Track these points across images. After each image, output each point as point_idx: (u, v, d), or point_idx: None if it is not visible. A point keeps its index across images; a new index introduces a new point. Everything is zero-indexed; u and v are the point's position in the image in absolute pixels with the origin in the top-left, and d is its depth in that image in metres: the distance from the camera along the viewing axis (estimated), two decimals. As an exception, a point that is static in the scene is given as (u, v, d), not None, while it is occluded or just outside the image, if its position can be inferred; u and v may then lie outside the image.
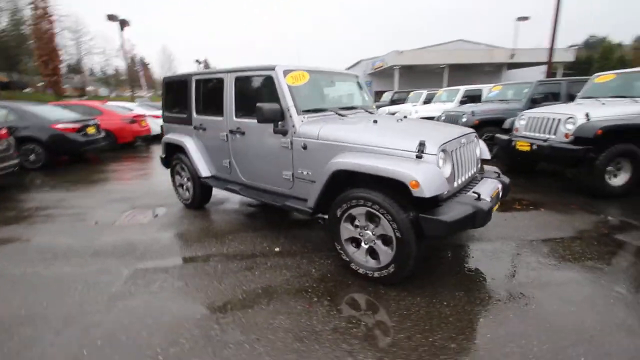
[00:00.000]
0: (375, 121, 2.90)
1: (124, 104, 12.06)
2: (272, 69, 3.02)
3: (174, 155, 4.28)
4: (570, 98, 7.06)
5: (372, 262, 2.49)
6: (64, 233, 3.64)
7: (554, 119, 4.73)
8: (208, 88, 3.77)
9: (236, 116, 3.39)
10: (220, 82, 3.54)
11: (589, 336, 1.92)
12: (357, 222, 2.53)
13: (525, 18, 23.01)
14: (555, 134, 4.64)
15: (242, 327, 2.07)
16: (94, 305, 2.32)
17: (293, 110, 2.90)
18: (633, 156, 4.21)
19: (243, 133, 3.33)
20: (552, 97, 7.01)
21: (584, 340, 1.89)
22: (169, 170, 4.52)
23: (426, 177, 2.11)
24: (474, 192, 2.45)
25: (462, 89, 10.36)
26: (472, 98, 9.78)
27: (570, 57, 24.86)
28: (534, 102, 6.94)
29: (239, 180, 3.58)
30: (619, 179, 4.32)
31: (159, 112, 11.54)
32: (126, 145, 9.63)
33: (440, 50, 26.52)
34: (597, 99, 5.15)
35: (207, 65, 45.22)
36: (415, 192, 2.10)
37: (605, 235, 3.29)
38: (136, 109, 11.15)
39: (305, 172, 2.91)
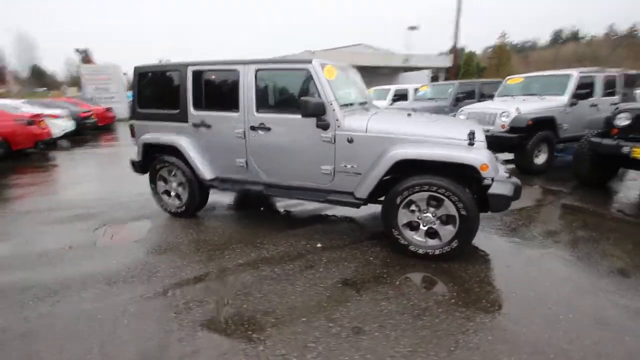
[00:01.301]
0: (409, 114, 3.16)
1: (6, 102, 9.44)
2: (309, 62, 2.98)
3: (158, 158, 3.72)
4: (482, 96, 8.67)
5: (432, 242, 2.75)
6: (50, 264, 2.84)
7: (491, 113, 5.79)
8: (213, 80, 3.42)
9: (258, 111, 3.19)
10: (232, 74, 3.26)
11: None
12: (412, 207, 2.75)
13: (415, 28, 26.61)
14: (493, 125, 5.70)
15: (357, 319, 2.07)
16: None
17: (336, 105, 2.92)
18: (549, 141, 5.53)
19: (268, 129, 3.16)
20: (469, 96, 8.49)
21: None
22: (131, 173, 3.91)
23: (490, 161, 2.48)
24: (505, 172, 2.94)
25: (393, 88, 11.51)
26: (400, 97, 10.98)
27: (448, 63, 29.81)
28: (457, 100, 8.27)
29: (259, 179, 3.37)
30: (541, 159, 5.61)
31: (55, 111, 9.57)
32: (21, 152, 7.61)
33: (347, 52, 28.47)
34: (513, 97, 6.50)
35: (87, 56, 38.22)
36: (484, 174, 2.45)
37: (541, 200, 4.32)
38: (27, 107, 8.86)
39: (349, 165, 2.97)
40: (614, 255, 2.83)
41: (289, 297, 2.32)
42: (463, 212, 2.55)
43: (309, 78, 2.98)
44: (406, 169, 2.73)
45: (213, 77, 3.40)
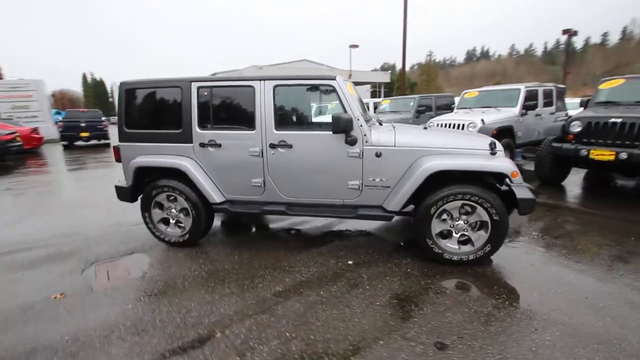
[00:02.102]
0: (425, 128, 3.30)
1: None
2: (333, 78, 2.96)
3: (154, 183, 3.33)
4: (438, 108, 9.43)
5: (465, 248, 2.87)
6: (45, 319, 2.29)
7: (458, 124, 6.34)
8: (223, 98, 3.18)
9: (277, 129, 3.06)
10: (246, 91, 3.09)
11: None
12: (444, 216, 2.86)
13: (355, 46, 28.06)
14: (462, 135, 6.23)
15: (433, 334, 2.06)
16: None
17: (362, 120, 2.93)
18: (510, 147, 6.21)
19: (290, 146, 3.04)
20: (428, 109, 9.19)
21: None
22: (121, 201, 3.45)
23: (516, 168, 2.70)
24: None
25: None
26: None
27: (387, 78, 32.00)
28: (419, 112, 8.89)
29: (279, 199, 3.20)
30: (504, 163, 6.26)
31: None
32: None
33: (292, 67, 28.95)
34: (472, 109, 7.20)
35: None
36: (515, 180, 2.65)
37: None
38: None
39: (378, 179, 2.99)
40: (606, 245, 3.26)
41: (353, 321, 2.21)
42: (495, 218, 2.72)
43: (332, 93, 2.96)
44: (433, 180, 2.84)
45: (222, 94, 3.18)
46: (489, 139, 2.92)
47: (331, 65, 33.95)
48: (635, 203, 4.54)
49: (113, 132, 8.02)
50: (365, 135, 2.92)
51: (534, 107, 6.69)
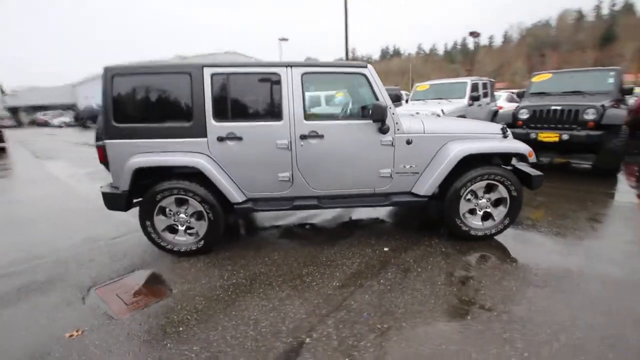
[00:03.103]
0: (439, 115, 3.48)
1: None
2: (365, 66, 2.91)
3: (158, 186, 2.86)
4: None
5: (487, 223, 3.15)
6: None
7: (425, 114, 6.83)
8: (242, 86, 2.87)
9: (306, 118, 2.89)
10: (271, 78, 2.85)
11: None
12: (469, 196, 3.09)
13: (285, 39, 27.78)
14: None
15: (506, 302, 2.23)
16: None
17: (394, 108, 2.97)
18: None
19: (321, 136, 2.91)
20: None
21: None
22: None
23: (531, 149, 3.05)
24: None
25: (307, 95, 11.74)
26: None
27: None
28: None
29: (308, 193, 3.05)
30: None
31: None
32: None
33: (219, 58, 27.29)
34: (425, 101, 7.82)
35: None
36: (530, 160, 3.00)
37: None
38: None
39: (408, 166, 3.07)
40: (577, 210, 3.91)
41: (430, 303, 2.26)
42: (514, 194, 3.04)
43: (365, 82, 2.93)
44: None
45: (242, 81, 2.87)
46: (499, 125, 3.24)
47: (259, 58, 33.04)
48: (587, 179, 5.53)
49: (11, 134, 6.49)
50: (397, 123, 2.97)
51: (479, 98, 7.59)
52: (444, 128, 3.09)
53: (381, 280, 2.55)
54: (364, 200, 3.10)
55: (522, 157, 3.08)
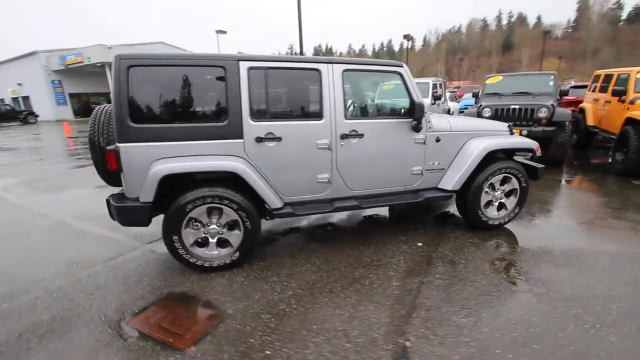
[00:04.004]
0: (452, 114, 3.66)
1: None
2: (401, 65, 2.93)
3: (187, 195, 2.51)
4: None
5: (502, 213, 3.44)
6: None
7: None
8: (281, 81, 2.66)
9: (347, 117, 2.81)
10: (310, 75, 2.69)
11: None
12: (487, 189, 3.35)
13: (223, 32, 26.34)
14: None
15: (550, 283, 2.48)
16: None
17: (427, 107, 3.05)
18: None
19: (361, 136, 2.86)
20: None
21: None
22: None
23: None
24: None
25: None
26: None
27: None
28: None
29: (346, 193, 2.97)
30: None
31: None
32: None
33: (147, 49, 24.75)
34: (392, 100, 8.18)
35: None
36: (538, 154, 3.35)
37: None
38: None
39: (436, 163, 3.19)
40: (548, 192, 4.51)
41: (493, 292, 2.40)
42: (524, 184, 3.38)
43: (401, 80, 2.95)
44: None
45: (280, 77, 2.65)
46: (504, 123, 3.56)
47: (191, 49, 30.74)
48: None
49: None
50: (429, 121, 3.06)
51: (441, 97, 8.22)
52: (465, 126, 3.29)
53: (436, 275, 2.63)
54: (397, 198, 3.14)
55: (531, 152, 3.44)
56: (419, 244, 3.18)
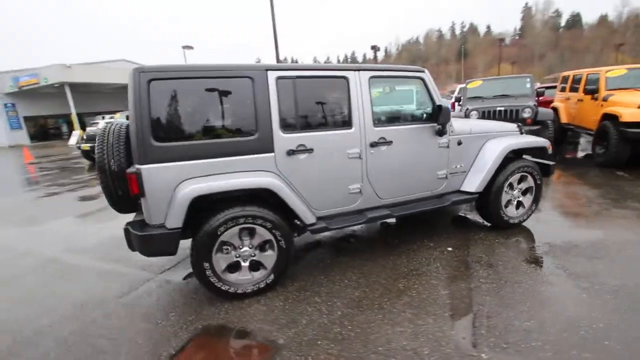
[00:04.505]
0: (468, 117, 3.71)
1: None
2: (423, 71, 2.92)
3: (218, 217, 2.30)
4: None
5: (520, 211, 3.49)
6: None
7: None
8: (309, 90, 2.54)
9: (375, 124, 2.73)
10: (338, 82, 2.61)
11: (566, 200, 4.30)
12: (506, 189, 3.39)
13: (190, 47, 25.78)
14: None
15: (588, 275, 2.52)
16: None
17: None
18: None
19: (390, 143, 2.79)
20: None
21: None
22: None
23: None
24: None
25: None
26: None
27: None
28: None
29: (376, 203, 2.88)
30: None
31: None
32: None
33: (111, 67, 23.65)
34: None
35: None
36: (549, 151, 3.46)
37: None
38: None
39: (458, 166, 3.20)
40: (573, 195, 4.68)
41: (542, 291, 2.39)
42: (539, 182, 3.46)
43: (424, 86, 2.94)
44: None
45: (308, 86, 2.53)
46: (513, 124, 3.66)
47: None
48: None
49: None
50: (451, 125, 3.07)
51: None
52: (482, 128, 3.34)
53: (481, 280, 2.58)
54: (425, 204, 3.09)
55: (544, 150, 3.54)
56: (449, 249, 3.13)
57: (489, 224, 3.57)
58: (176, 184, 2.23)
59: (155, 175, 2.18)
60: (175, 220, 2.19)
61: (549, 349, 1.86)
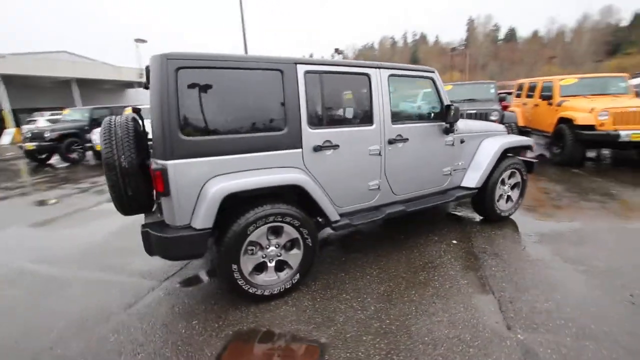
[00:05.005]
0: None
1: None
2: (433, 71, 3.03)
3: (247, 216, 2.20)
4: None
5: (509, 205, 3.77)
6: None
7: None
8: (334, 86, 2.52)
9: (393, 122, 2.79)
10: (360, 79, 2.62)
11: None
12: (499, 184, 3.65)
13: (143, 40, 24.12)
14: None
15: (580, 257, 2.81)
16: None
17: (453, 111, 3.21)
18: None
19: (406, 140, 2.87)
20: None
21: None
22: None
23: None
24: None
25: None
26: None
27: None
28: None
29: (391, 199, 2.94)
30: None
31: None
32: None
33: (50, 58, 21.28)
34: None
35: None
36: (533, 149, 3.79)
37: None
38: None
39: (460, 163, 3.38)
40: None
41: (557, 278, 2.61)
42: (525, 178, 3.78)
43: (433, 85, 3.06)
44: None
45: (333, 81, 2.51)
46: (501, 125, 3.96)
47: (95, 58, 27.19)
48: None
49: None
50: (456, 124, 3.23)
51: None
52: (479, 128, 3.57)
53: (493, 268, 2.75)
54: (433, 199, 3.22)
55: (529, 148, 3.87)
56: (454, 242, 3.30)
57: (478, 219, 3.82)
58: (204, 181, 2.09)
59: (182, 171, 2.02)
60: (205, 220, 2.05)
61: (572, 325, 2.04)
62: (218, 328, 2.16)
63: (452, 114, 2.98)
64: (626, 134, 5.43)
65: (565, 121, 6.29)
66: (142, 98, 24.11)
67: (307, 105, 2.38)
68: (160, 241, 2.06)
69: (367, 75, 2.66)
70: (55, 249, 3.57)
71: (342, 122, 2.62)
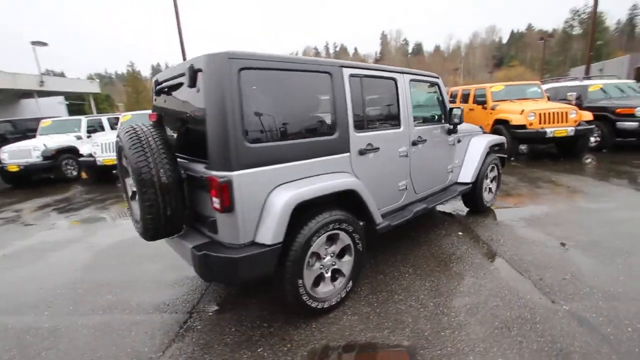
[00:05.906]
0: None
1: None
2: (438, 77, 3.25)
3: (310, 226, 2.08)
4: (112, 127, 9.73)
5: (491, 196, 4.23)
6: None
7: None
8: (371, 90, 2.52)
9: (415, 125, 2.92)
10: (389, 84, 2.70)
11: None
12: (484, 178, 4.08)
13: (43, 44, 20.64)
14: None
15: (569, 234, 3.31)
16: None
17: (453, 113, 3.49)
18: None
19: (425, 141, 3.03)
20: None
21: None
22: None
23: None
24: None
25: (84, 119, 9.38)
26: (96, 129, 9.37)
27: (96, 88, 26.18)
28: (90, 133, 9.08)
29: (414, 198, 3.06)
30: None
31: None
32: None
33: None
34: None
35: None
36: (506, 147, 4.33)
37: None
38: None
39: (457, 161, 3.70)
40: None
41: (554, 249, 3.00)
42: (500, 172, 4.29)
43: (437, 90, 3.29)
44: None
45: (370, 85, 2.52)
46: (477, 126, 4.44)
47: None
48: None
49: None
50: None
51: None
52: (466, 128, 3.93)
53: (507, 253, 3.05)
54: (442, 196, 3.44)
55: (503, 145, 4.39)
56: (460, 234, 3.57)
57: (465, 211, 4.21)
58: (268, 191, 1.91)
59: (248, 183, 1.83)
60: (277, 234, 1.87)
61: (596, 292, 2.38)
62: (288, 351, 1.98)
63: (458, 116, 3.25)
64: (551, 130, 6.56)
65: (501, 122, 7.32)
66: (45, 111, 20.51)
67: (352, 109, 2.36)
68: (228, 263, 1.81)
69: (395, 79, 2.75)
70: (13, 297, 2.84)
71: (378, 125, 2.65)
